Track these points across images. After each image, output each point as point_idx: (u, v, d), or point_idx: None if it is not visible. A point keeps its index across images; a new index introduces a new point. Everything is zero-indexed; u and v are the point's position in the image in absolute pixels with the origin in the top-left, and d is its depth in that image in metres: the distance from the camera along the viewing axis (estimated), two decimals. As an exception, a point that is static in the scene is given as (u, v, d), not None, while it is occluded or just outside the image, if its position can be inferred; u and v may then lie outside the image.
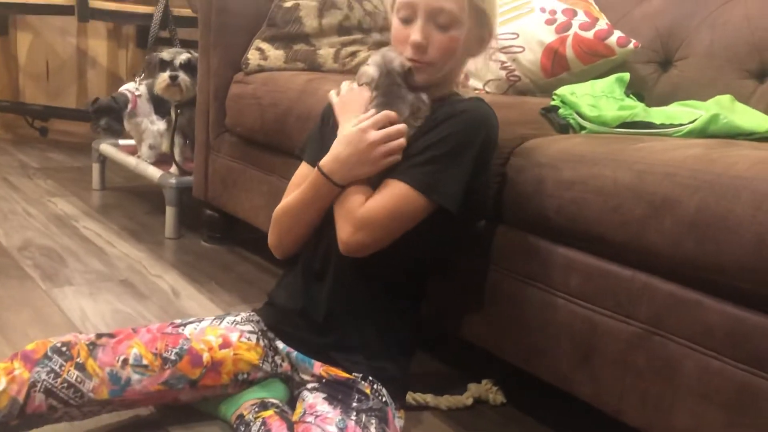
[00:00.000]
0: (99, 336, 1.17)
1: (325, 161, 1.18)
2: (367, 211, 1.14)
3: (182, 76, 2.21)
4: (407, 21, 1.16)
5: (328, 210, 1.20)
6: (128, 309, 1.71)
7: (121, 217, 2.45)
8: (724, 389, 0.96)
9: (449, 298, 1.38)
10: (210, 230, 2.26)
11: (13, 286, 1.78)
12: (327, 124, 1.29)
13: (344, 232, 1.15)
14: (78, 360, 1.12)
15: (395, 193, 1.14)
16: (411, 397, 1.34)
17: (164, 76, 2.22)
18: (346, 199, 1.17)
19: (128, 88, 2.55)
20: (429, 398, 1.37)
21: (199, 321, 1.27)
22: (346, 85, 1.27)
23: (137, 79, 2.57)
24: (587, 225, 1.12)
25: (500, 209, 1.26)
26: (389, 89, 1.17)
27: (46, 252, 2.04)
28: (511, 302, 1.25)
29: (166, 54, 2.25)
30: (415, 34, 1.15)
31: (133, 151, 2.59)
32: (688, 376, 1.00)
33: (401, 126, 1.15)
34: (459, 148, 1.14)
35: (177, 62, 2.22)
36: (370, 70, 1.18)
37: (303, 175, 1.28)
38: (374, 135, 1.14)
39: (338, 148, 1.17)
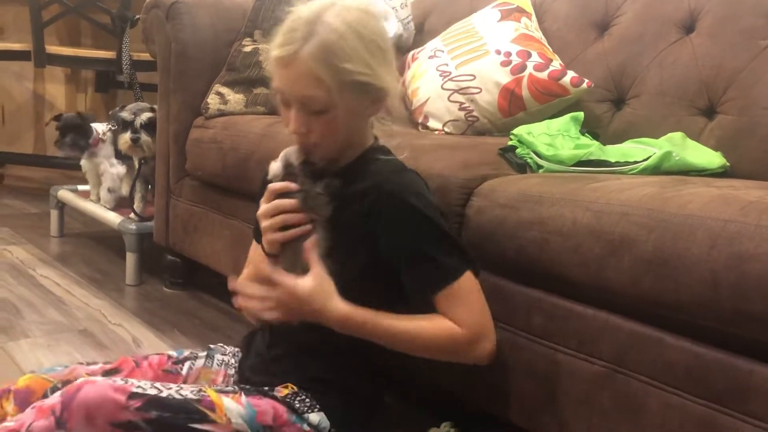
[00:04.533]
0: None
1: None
2: (461, 325, 1.09)
3: (144, 138, 2.21)
4: (286, 105, 1.11)
5: None
6: (88, 360, 1.66)
7: (80, 264, 2.41)
8: (686, 425, 0.97)
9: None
10: (172, 276, 2.22)
11: (-35, 341, 1.73)
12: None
13: (470, 358, 1.12)
14: None
15: (451, 294, 1.09)
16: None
17: (126, 137, 2.21)
18: (433, 342, 1.10)
19: (97, 127, 2.51)
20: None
21: (194, 359, 1.27)
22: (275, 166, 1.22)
23: (107, 126, 2.50)
24: (547, 265, 1.13)
25: (462, 250, 1.27)
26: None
27: (1, 304, 1.98)
28: (475, 343, 1.25)
29: (126, 114, 2.23)
30: (292, 123, 1.10)
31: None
32: (651, 414, 1.01)
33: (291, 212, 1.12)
34: (431, 226, 1.11)
35: (138, 123, 2.21)
36: (274, 166, 1.16)
37: (255, 252, 1.26)
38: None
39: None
